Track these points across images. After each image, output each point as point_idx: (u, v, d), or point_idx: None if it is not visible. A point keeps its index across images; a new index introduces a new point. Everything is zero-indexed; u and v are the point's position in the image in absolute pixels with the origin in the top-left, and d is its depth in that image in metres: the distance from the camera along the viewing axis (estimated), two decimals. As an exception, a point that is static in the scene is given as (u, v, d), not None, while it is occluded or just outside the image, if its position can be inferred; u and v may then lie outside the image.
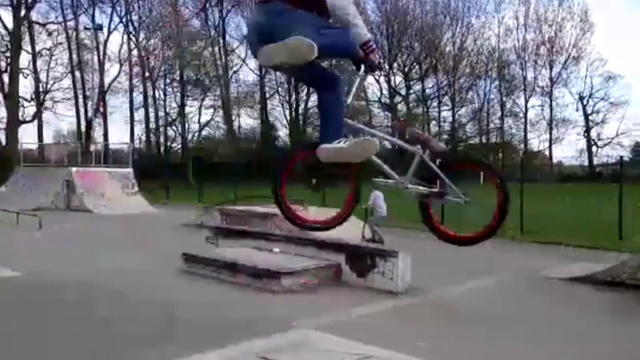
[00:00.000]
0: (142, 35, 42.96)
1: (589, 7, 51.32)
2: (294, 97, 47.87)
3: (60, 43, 40.69)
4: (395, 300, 7.43)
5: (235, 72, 47.04)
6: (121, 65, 42.75)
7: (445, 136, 53.89)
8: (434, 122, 53.94)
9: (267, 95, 48.43)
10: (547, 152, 52.31)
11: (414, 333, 6.03)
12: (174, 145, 47.24)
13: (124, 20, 42.59)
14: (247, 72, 48.65)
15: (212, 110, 46.49)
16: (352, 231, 12.03)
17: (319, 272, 8.28)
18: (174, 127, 46.29)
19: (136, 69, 42.93)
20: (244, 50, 47.35)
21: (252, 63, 47.56)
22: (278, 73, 48.70)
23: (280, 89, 48.88)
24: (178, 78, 44.63)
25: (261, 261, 8.49)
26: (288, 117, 48.43)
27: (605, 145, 50.25)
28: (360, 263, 8.26)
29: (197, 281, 8.45)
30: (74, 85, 41.84)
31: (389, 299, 7.41)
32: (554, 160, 52.18)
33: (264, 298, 7.47)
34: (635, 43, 66.19)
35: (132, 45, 42.75)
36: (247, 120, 49.41)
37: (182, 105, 44.74)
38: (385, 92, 53.67)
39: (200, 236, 11.33)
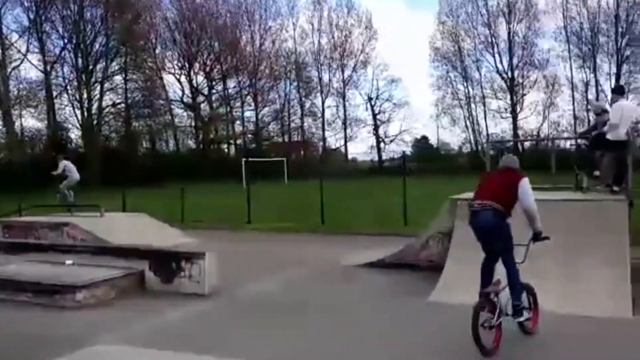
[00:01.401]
0: None
1: (372, 15, 56.17)
2: (85, 95, 44.21)
3: None
4: (203, 302, 7.28)
5: (14, 68, 41.88)
6: None
7: (249, 135, 54.75)
8: (238, 122, 54.44)
9: (55, 94, 44.01)
10: (343, 150, 56.29)
11: (225, 334, 5.98)
12: (-63, 150, 40.39)
13: None
14: (29, 68, 43.63)
15: (-14, 110, 40.71)
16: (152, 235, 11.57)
17: (120, 281, 7.74)
18: (-64, 130, 39.59)
19: None
20: (25, 43, 42.53)
21: (34, 58, 42.91)
22: (65, 69, 44.61)
23: (69, 87, 44.79)
24: (-60, 73, 38.23)
25: (52, 275, 7.66)
26: (80, 118, 44.61)
27: (391, 141, 55.83)
28: (165, 268, 7.92)
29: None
30: None
31: (197, 303, 7.24)
32: (350, 157, 56.40)
33: (55, 315, 6.73)
34: (409, 49, 74.78)
35: None
36: (30, 121, 44.28)
37: (-54, 105, 38.45)
38: (187, 91, 52.55)
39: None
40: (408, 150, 52.26)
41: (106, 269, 7.96)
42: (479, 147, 48.21)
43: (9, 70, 40.89)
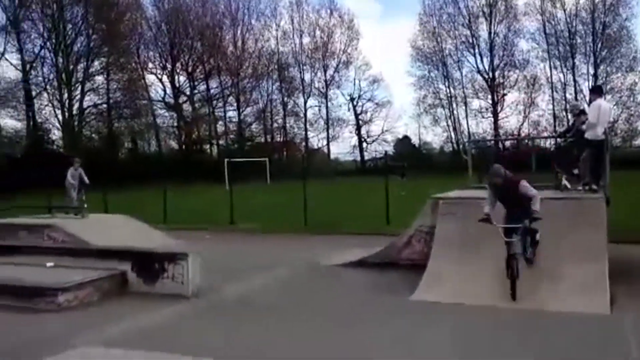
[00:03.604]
0: None
1: (354, 16, 56.25)
2: (66, 95, 43.62)
3: None
4: (187, 303, 7.25)
5: (-9, 67, 41.22)
6: None
7: (232, 136, 54.53)
8: (220, 122, 54.17)
9: (34, 94, 43.37)
10: (325, 150, 56.31)
11: (209, 335, 5.96)
12: None
13: None
14: (6, 67, 42.91)
15: (-37, 110, 39.96)
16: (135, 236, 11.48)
17: (102, 283, 7.68)
18: None
19: None
20: (2, 42, 41.87)
21: (14, 58, 42.28)
22: (45, 68, 43.91)
23: (49, 87, 44.13)
24: None
25: (32, 278, 7.57)
26: (60, 118, 44.02)
27: (373, 141, 55.97)
28: (148, 269, 7.87)
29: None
30: None
31: (181, 303, 7.21)
32: (332, 157, 56.44)
33: (37, 319, 6.65)
34: (390, 49, 75.19)
35: None
36: (9, 121, 43.52)
37: None
38: (169, 91, 52.17)
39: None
40: (390, 149, 52.49)
41: (88, 271, 7.88)
42: (460, 147, 48.58)
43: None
